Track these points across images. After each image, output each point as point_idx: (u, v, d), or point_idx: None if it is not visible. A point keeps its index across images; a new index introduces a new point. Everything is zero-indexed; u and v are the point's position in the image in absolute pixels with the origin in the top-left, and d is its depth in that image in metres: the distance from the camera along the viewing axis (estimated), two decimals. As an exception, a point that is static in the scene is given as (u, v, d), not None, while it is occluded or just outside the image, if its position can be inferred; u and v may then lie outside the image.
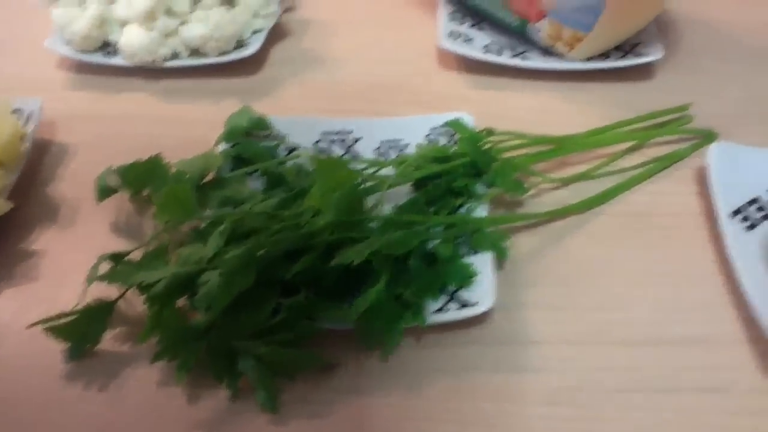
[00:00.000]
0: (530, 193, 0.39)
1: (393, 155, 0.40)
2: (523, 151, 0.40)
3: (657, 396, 0.31)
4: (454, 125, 0.39)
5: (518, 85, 0.46)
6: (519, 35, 0.47)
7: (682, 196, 0.39)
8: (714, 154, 0.38)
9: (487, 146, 0.39)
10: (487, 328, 0.34)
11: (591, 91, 0.45)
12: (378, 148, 0.41)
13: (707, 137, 0.42)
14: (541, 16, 0.44)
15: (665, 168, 0.41)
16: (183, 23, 0.46)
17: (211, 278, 0.31)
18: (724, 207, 0.36)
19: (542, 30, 0.45)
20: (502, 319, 0.34)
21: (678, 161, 0.41)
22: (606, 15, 0.41)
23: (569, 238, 0.38)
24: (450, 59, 0.47)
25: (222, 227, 0.33)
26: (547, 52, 0.46)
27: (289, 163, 0.39)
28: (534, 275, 0.36)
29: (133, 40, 0.45)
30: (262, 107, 0.42)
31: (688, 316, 0.34)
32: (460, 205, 0.37)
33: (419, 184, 0.38)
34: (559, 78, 0.46)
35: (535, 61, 0.46)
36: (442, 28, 0.47)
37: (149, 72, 0.47)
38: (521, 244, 0.37)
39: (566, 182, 0.40)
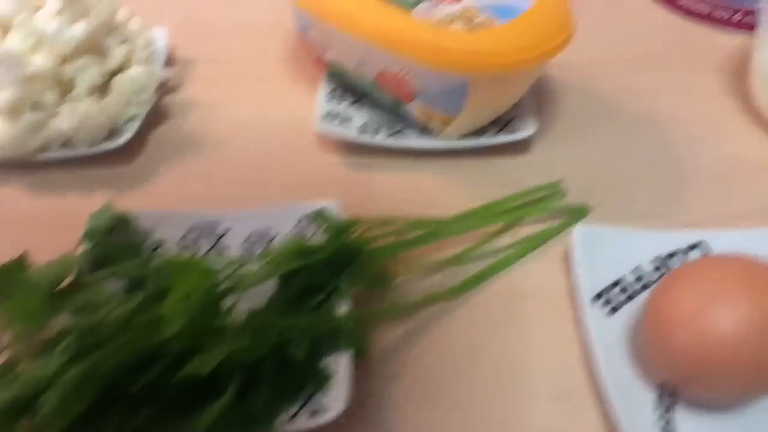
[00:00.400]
0: (400, 280, 0.39)
1: (261, 247, 0.40)
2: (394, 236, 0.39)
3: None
4: (319, 216, 0.39)
5: (396, 164, 0.46)
6: (396, 113, 0.47)
7: (551, 277, 0.39)
8: (577, 236, 0.38)
9: (353, 236, 0.38)
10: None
11: (467, 168, 0.45)
12: (247, 239, 0.40)
13: (579, 213, 0.42)
14: (411, 98, 0.44)
15: (537, 247, 0.41)
16: (52, 116, 0.45)
17: (49, 400, 0.30)
18: (586, 291, 0.36)
19: (414, 110, 0.45)
20: (358, 420, 0.33)
21: (549, 239, 0.41)
22: (471, 100, 0.42)
23: (436, 326, 0.37)
24: (329, 140, 0.47)
25: (64, 343, 0.32)
26: (424, 129, 0.46)
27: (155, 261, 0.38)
28: (398, 369, 0.35)
29: (-1, 135, 0.43)
30: (135, 198, 0.41)
31: (550, 407, 0.34)
32: (323, 302, 0.36)
33: (284, 282, 0.37)
34: (436, 156, 0.46)
35: (410, 141, 0.46)
36: (319, 109, 0.47)
37: (19, 166, 0.46)
38: (386, 335, 0.37)
39: (437, 267, 0.40)
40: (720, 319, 0.30)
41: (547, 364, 0.35)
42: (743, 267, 0.32)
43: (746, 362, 0.30)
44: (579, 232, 0.38)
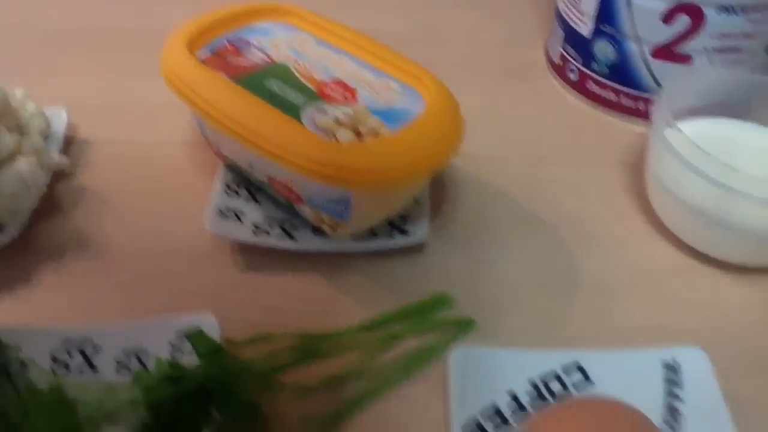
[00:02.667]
0: (280, 406, 0.38)
1: (136, 365, 0.39)
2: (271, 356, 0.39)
3: None
4: (191, 336, 0.38)
5: (289, 266, 0.45)
6: (291, 211, 0.46)
7: (429, 401, 0.38)
8: (453, 359, 0.38)
9: (228, 358, 0.37)
10: None
11: (360, 271, 0.45)
12: (121, 356, 0.39)
13: (465, 326, 0.42)
14: (300, 201, 0.43)
15: (420, 366, 0.40)
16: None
17: None
18: (458, 418, 0.36)
19: (307, 212, 0.44)
20: None
21: (433, 357, 0.40)
22: (356, 210, 0.41)
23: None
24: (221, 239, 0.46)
25: None
26: (318, 230, 0.45)
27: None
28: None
29: None
30: (14, 307, 0.39)
31: None
32: (189, 432, 0.35)
33: (152, 409, 0.36)
34: (330, 256, 0.45)
35: (299, 243, 0.45)
36: (212, 205, 0.46)
37: None
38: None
39: (314, 390, 0.39)
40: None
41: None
42: (610, 413, 0.32)
43: None
44: (455, 354, 0.38)
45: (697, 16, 0.50)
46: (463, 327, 0.42)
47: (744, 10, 0.50)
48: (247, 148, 0.41)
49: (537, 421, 0.33)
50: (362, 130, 0.41)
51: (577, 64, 0.58)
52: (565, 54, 0.60)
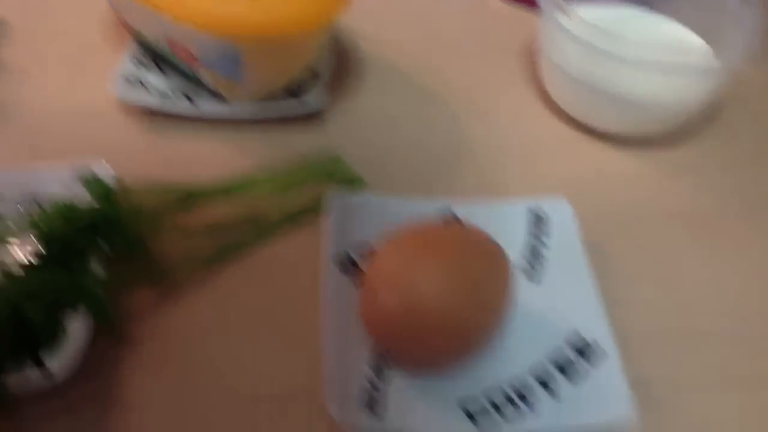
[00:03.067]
0: (160, 245, 0.40)
1: (33, 208, 0.41)
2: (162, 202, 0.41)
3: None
4: (85, 179, 0.40)
5: (190, 131, 0.47)
6: (193, 79, 0.48)
7: (313, 245, 0.41)
8: (332, 202, 0.40)
9: (120, 200, 0.39)
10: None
11: (259, 136, 0.47)
12: (21, 202, 0.41)
13: (355, 184, 0.44)
14: (196, 62, 0.45)
15: (305, 215, 0.42)
16: None
17: None
18: (330, 254, 0.38)
19: (205, 76, 0.46)
20: (92, 381, 0.35)
21: (318, 208, 0.43)
22: (247, 68, 0.43)
23: (193, 293, 0.39)
24: (129, 106, 0.48)
25: None
26: (218, 96, 0.47)
27: None
28: (146, 332, 0.37)
29: None
30: None
31: (282, 371, 0.36)
32: (78, 265, 0.37)
33: (46, 243, 0.38)
34: (229, 123, 0.47)
35: (201, 108, 0.47)
36: (119, 73, 0.47)
37: None
38: (140, 300, 0.38)
39: (199, 234, 0.41)
40: (421, 281, 0.32)
41: (295, 324, 0.37)
42: (449, 232, 0.34)
43: (445, 324, 0.32)
44: (334, 198, 0.40)
45: None
46: (351, 184, 0.44)
47: None
48: (141, 4, 0.42)
49: (379, 249, 0.35)
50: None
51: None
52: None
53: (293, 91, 0.48)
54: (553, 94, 0.50)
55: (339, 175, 0.44)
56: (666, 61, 0.44)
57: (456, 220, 0.41)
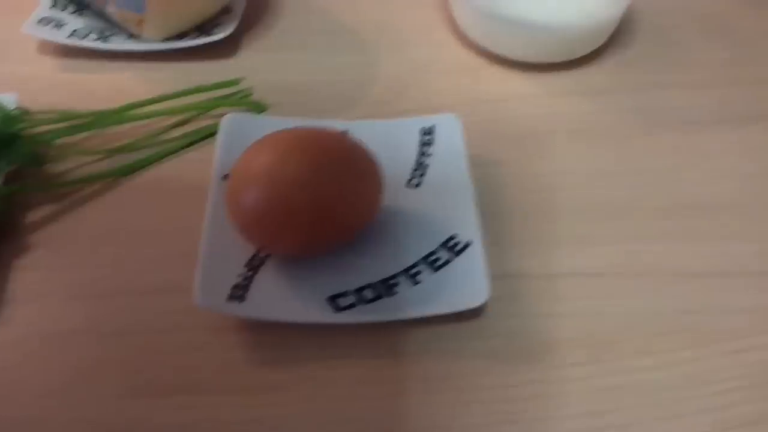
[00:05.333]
0: (71, 166, 0.42)
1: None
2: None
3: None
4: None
5: (104, 68, 0.48)
6: (107, 20, 0.49)
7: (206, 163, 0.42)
8: (223, 122, 0.41)
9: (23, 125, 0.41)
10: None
11: (170, 71, 0.48)
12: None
13: (256, 109, 0.45)
14: None
15: (203, 138, 0.44)
16: None
17: None
18: (218, 170, 0.40)
19: (115, 14, 0.47)
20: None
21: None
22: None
23: (89, 206, 0.40)
24: (48, 46, 0.49)
25: None
26: (130, 34, 0.49)
27: None
28: (41, 238, 0.39)
29: None
30: None
31: (166, 271, 0.37)
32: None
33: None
34: (142, 58, 0.49)
35: (110, 44, 0.48)
36: (34, 14, 0.49)
37: None
38: (40, 213, 0.40)
39: (107, 155, 0.43)
40: (280, 173, 0.33)
41: (181, 233, 0.39)
42: (308, 134, 0.35)
43: (305, 211, 0.33)
44: (226, 118, 0.42)
45: None
46: (254, 109, 0.45)
47: None
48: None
49: (256, 143, 0.36)
50: None
51: None
52: None
53: (205, 26, 0.50)
54: (458, 21, 0.51)
55: (241, 101, 0.46)
56: None
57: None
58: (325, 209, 0.34)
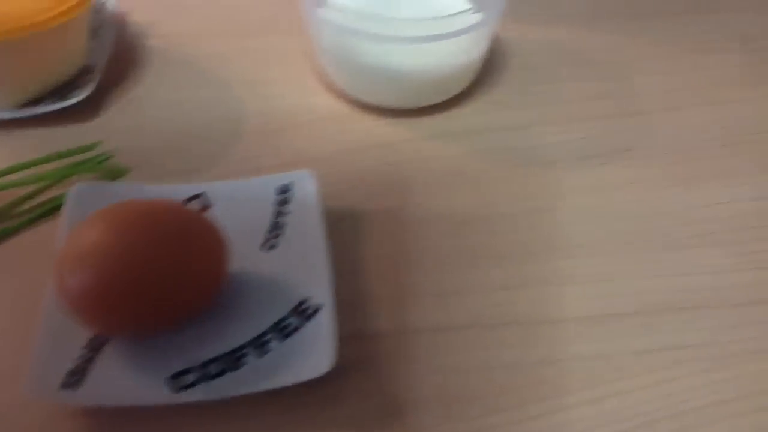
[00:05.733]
0: None
1: None
2: None
3: None
4: None
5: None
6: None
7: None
8: (71, 193, 0.40)
9: None
10: None
11: (27, 138, 0.47)
12: None
13: (115, 174, 0.44)
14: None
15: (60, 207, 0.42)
16: None
17: None
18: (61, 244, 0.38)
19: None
20: None
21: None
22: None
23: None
24: None
25: None
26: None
27: None
28: None
29: None
30: None
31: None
32: None
33: None
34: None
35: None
36: None
37: None
38: None
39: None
40: (107, 253, 0.32)
41: (22, 313, 0.37)
42: (142, 208, 0.34)
43: (137, 297, 0.32)
44: (72, 189, 0.40)
45: None
46: (113, 175, 0.44)
47: None
48: None
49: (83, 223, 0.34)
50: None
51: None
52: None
53: (63, 88, 0.48)
54: (326, 70, 0.51)
55: (98, 167, 0.44)
56: (424, 34, 0.44)
57: (206, 202, 0.41)
58: (160, 288, 0.32)
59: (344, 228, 0.41)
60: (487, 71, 0.52)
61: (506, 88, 0.52)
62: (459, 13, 0.45)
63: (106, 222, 0.34)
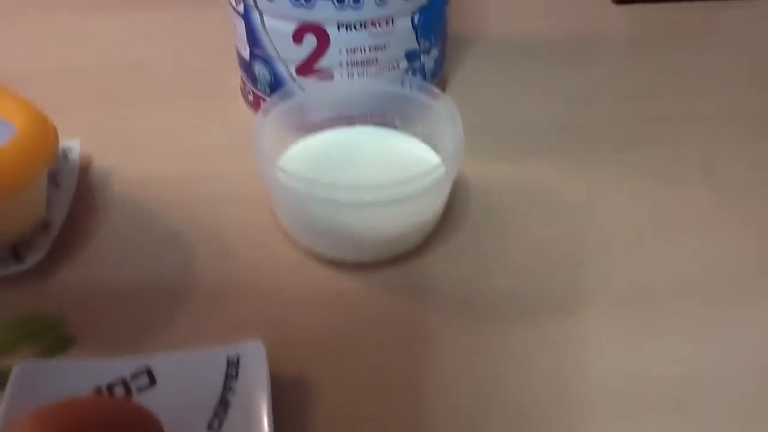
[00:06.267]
0: None
1: None
2: None
3: None
4: None
5: None
6: None
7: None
8: (14, 374, 0.39)
9: None
10: None
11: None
12: None
13: (63, 344, 0.44)
14: None
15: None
16: None
17: None
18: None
19: None
20: None
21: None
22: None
23: None
24: None
25: None
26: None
27: None
28: None
29: None
30: None
31: None
32: None
33: None
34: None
35: None
36: None
37: None
38: None
39: None
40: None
41: None
42: (74, 409, 0.34)
43: None
44: (17, 369, 0.40)
45: (322, 35, 0.54)
46: (60, 345, 0.43)
47: (364, 25, 0.54)
48: None
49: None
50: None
51: (250, 86, 0.62)
52: (242, 78, 0.63)
53: (17, 248, 0.48)
54: (282, 222, 0.51)
55: (46, 337, 0.44)
56: (383, 199, 0.44)
57: (151, 377, 0.41)
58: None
59: (293, 397, 0.41)
60: (445, 215, 0.52)
61: (463, 234, 0.52)
62: (425, 172, 0.45)
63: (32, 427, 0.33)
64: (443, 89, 0.66)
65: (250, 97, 0.63)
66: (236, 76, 0.65)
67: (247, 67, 0.60)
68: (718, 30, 0.79)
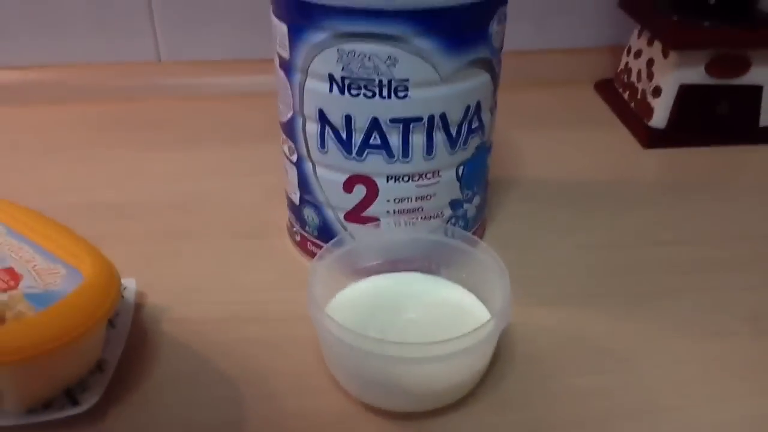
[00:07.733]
0: None
1: None
2: None
3: None
4: None
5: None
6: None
7: None
8: None
9: None
10: None
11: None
12: None
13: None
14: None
15: None
16: None
17: None
18: None
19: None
20: None
21: None
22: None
23: None
24: None
25: None
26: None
27: None
28: None
29: None
30: None
31: None
32: None
33: None
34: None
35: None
36: None
37: None
38: None
39: None
40: None
41: None
42: None
43: None
44: None
45: (371, 185, 0.57)
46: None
47: (411, 177, 0.57)
48: None
49: None
50: (8, 315, 0.45)
51: (298, 227, 0.64)
52: (290, 219, 0.66)
53: (72, 390, 0.49)
54: (331, 371, 0.52)
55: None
56: (432, 355, 0.45)
57: None
58: None
59: None
60: (492, 360, 0.53)
61: (511, 384, 0.52)
62: (475, 330, 0.45)
63: None
64: (483, 232, 0.68)
65: (297, 238, 0.65)
66: (283, 214, 0.68)
67: (296, 210, 0.63)
68: (750, 173, 0.82)
